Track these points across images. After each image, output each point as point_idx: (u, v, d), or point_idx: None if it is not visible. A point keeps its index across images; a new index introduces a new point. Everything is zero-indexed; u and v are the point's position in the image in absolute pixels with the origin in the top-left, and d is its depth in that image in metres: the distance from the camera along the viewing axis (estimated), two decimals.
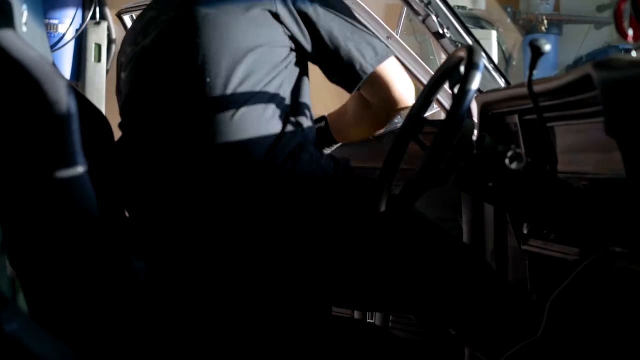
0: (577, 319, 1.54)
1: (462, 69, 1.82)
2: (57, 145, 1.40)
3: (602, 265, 1.54)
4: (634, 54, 1.34)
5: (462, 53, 1.73)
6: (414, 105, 1.95)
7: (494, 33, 5.90)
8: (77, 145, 1.43)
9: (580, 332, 1.54)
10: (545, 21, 6.59)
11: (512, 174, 1.62)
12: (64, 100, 1.38)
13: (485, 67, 2.30)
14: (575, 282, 1.51)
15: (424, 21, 2.30)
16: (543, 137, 1.64)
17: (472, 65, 1.60)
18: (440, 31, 2.29)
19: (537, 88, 1.61)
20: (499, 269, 1.98)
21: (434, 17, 2.28)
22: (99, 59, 4.10)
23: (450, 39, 2.31)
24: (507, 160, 1.65)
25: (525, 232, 1.95)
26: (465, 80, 1.58)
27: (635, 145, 1.31)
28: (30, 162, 1.41)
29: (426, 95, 1.94)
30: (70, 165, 1.42)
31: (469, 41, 2.34)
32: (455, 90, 1.84)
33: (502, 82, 2.32)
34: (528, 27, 6.62)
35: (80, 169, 1.43)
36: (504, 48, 6.23)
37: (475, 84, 1.57)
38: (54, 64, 1.48)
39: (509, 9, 6.60)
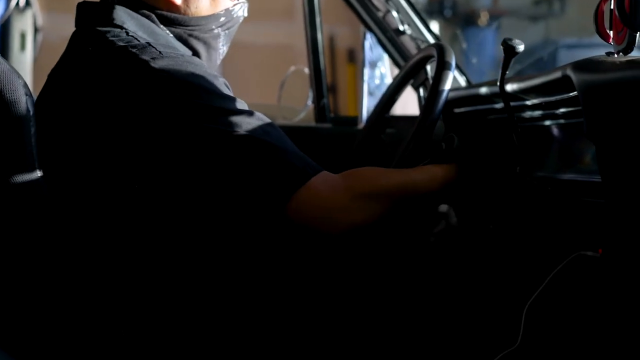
0: (555, 325, 1.52)
1: (428, 68, 1.79)
2: (14, 147, 1.33)
3: (574, 270, 1.53)
4: (616, 56, 1.31)
5: (431, 52, 1.70)
6: (378, 104, 1.92)
7: (433, 25, 5.94)
8: (35, 148, 1.35)
9: (559, 338, 1.53)
10: (485, 14, 6.66)
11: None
12: (22, 101, 1.31)
13: None
14: (549, 288, 1.49)
15: (384, 17, 2.25)
16: (513, 138, 1.61)
17: (444, 65, 1.57)
18: (401, 28, 2.25)
19: (508, 88, 1.59)
20: (476, 272, 1.96)
21: (394, 13, 2.24)
22: (23, 48, 3.99)
23: (410, 36, 2.27)
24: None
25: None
26: (438, 80, 1.55)
27: (614, 150, 1.29)
28: None
29: (390, 95, 1.90)
30: (28, 170, 1.35)
31: (430, 38, 2.31)
32: (421, 91, 1.81)
33: (462, 80, 2.29)
34: (468, 20, 6.68)
35: (38, 173, 1.36)
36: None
37: (448, 84, 1.54)
38: None
39: (449, 2, 6.65)
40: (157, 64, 1.36)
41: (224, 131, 1.35)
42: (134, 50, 1.38)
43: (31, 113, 1.33)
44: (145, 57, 1.37)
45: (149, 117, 1.35)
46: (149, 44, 1.40)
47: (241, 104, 1.42)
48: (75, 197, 1.40)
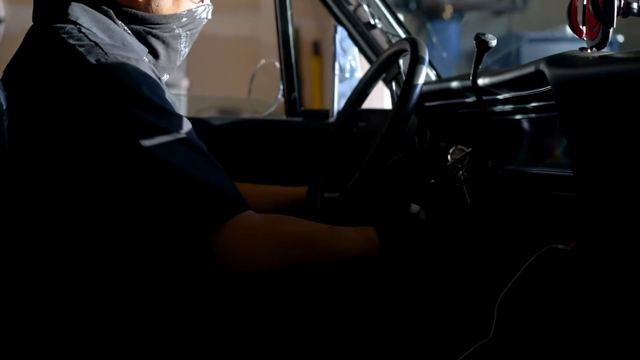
0: (527, 318, 1.53)
1: (400, 62, 1.80)
2: None
3: (546, 263, 1.54)
4: (589, 51, 1.33)
5: (404, 46, 1.70)
6: (349, 98, 1.91)
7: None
8: (7, 143, 1.34)
9: (531, 331, 1.54)
10: (449, 8, 6.69)
11: (454, 172, 1.61)
12: None
13: None
14: (521, 280, 1.51)
15: (355, 11, 2.25)
16: (485, 133, 1.62)
17: (418, 59, 1.57)
18: (372, 22, 2.25)
19: (480, 82, 1.59)
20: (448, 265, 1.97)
21: (365, 7, 2.24)
22: None
23: (381, 30, 2.27)
24: (449, 157, 1.64)
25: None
26: (412, 74, 1.55)
27: (586, 144, 1.30)
28: None
29: (362, 88, 1.90)
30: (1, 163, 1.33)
31: (401, 32, 2.31)
32: (393, 85, 1.81)
33: (432, 74, 2.30)
34: (432, 14, 6.70)
35: (10, 167, 1.34)
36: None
37: (422, 78, 1.55)
38: None
39: None
40: (100, 65, 1.33)
41: (149, 152, 1.30)
42: (81, 49, 1.35)
43: (4, 107, 1.32)
44: (90, 57, 1.34)
45: (81, 118, 1.32)
46: (96, 44, 1.36)
47: (178, 122, 1.37)
48: (32, 193, 1.37)
